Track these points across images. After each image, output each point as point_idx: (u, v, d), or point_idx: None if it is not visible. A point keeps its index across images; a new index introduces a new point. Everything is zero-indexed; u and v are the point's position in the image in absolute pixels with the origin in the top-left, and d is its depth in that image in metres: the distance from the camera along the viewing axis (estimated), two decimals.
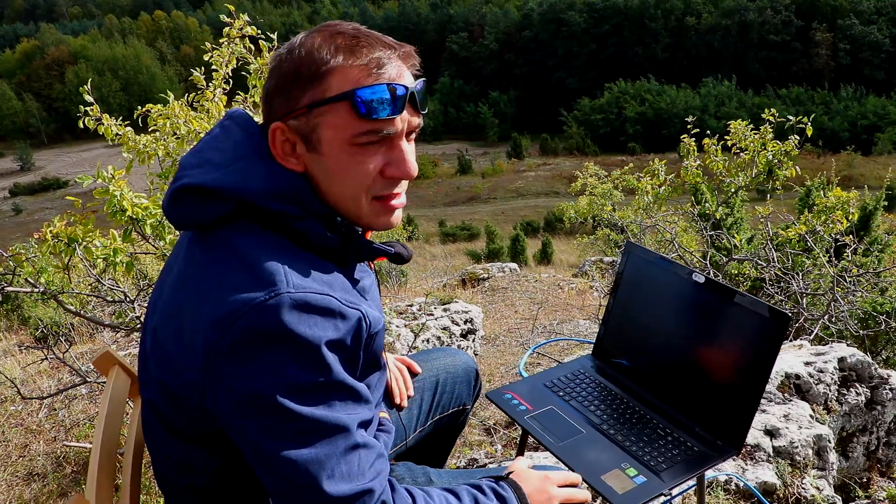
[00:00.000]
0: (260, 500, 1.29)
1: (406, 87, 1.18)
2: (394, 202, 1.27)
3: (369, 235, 1.34)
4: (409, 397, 1.88)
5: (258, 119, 1.28)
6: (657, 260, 2.03)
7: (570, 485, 1.50)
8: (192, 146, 3.12)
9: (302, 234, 1.19)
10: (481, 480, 1.39)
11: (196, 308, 1.12)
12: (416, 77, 1.23)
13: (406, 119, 1.20)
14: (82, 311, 3.29)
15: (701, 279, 1.86)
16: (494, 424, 3.47)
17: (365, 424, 1.18)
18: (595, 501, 2.11)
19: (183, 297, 1.18)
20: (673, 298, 1.96)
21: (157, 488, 2.94)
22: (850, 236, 5.32)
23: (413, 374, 1.94)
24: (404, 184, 1.27)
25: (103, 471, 1.33)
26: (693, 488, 2.49)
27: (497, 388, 2.05)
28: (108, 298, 3.28)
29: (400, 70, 1.19)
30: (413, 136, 1.27)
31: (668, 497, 2.50)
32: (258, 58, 3.28)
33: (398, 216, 1.30)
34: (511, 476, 1.43)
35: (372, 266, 1.46)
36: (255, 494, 1.29)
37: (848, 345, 3.48)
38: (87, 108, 3.19)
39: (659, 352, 1.99)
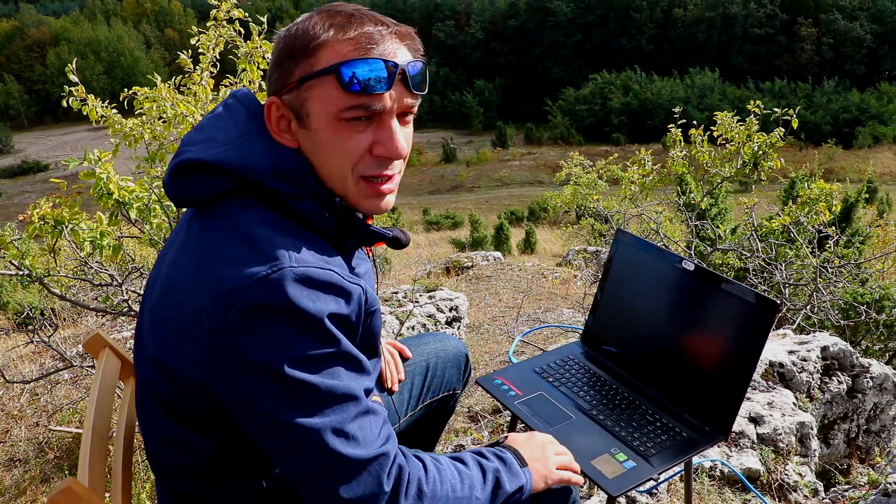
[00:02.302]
0: (254, 481, 1.29)
1: (396, 64, 1.17)
2: (383, 186, 1.25)
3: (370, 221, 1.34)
4: (399, 381, 1.88)
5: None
6: (647, 247, 2.04)
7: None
8: (179, 129, 3.13)
9: (300, 215, 1.19)
10: (481, 447, 1.42)
11: (197, 284, 1.12)
12: (416, 58, 1.22)
13: (396, 97, 1.19)
14: (67, 295, 3.26)
15: (690, 266, 1.87)
16: (480, 411, 3.48)
17: (368, 392, 1.19)
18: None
19: (183, 273, 1.17)
20: (662, 285, 1.97)
21: (142, 473, 2.93)
22: (833, 227, 5.37)
23: (404, 358, 1.94)
24: (396, 166, 1.25)
25: (96, 453, 1.32)
26: (680, 474, 2.52)
27: (487, 374, 2.06)
28: (95, 282, 3.25)
29: (394, 48, 1.18)
30: (409, 117, 1.25)
31: (657, 482, 2.53)
32: (248, 41, 3.25)
33: (389, 201, 1.27)
34: (507, 441, 1.47)
35: (369, 253, 1.46)
36: (249, 476, 1.29)
37: (830, 335, 3.52)
38: (72, 89, 3.16)
39: (648, 338, 2.01)
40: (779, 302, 1.72)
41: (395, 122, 1.21)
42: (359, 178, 1.22)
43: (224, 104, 1.29)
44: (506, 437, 1.50)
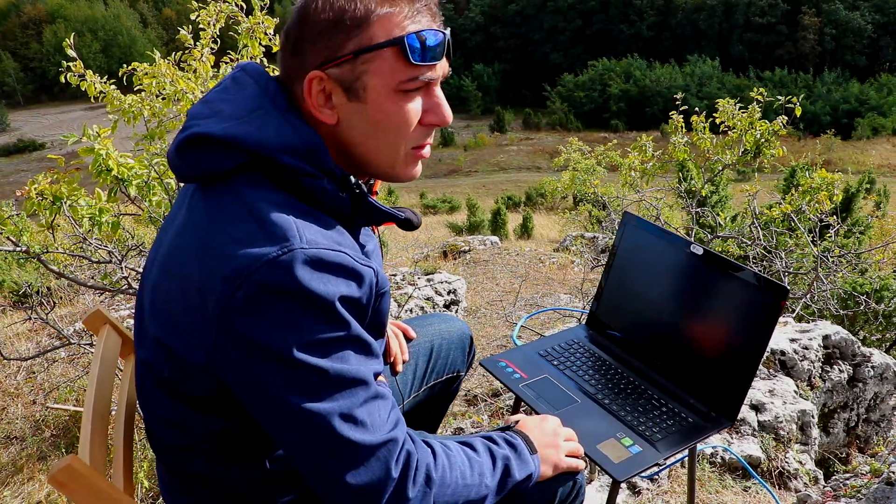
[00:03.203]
0: (256, 462, 1.27)
1: (444, 33, 1.18)
2: (423, 152, 1.27)
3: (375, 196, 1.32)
4: (404, 362, 1.86)
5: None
6: (654, 230, 2.02)
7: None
8: (178, 106, 3.09)
9: (312, 193, 1.16)
10: (491, 432, 1.40)
11: (202, 262, 1.09)
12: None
13: (443, 66, 1.21)
14: (65, 273, 3.23)
15: (699, 251, 1.85)
16: (480, 394, 3.47)
17: (376, 376, 1.17)
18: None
19: (186, 251, 1.14)
20: (670, 269, 1.95)
21: (140, 451, 2.91)
22: (834, 217, 5.36)
23: (408, 339, 1.92)
24: (433, 133, 1.28)
25: (96, 431, 1.30)
26: (683, 460, 2.51)
27: (491, 356, 2.04)
28: (94, 259, 3.22)
29: (435, 16, 1.20)
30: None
31: (661, 467, 2.52)
32: (249, 17, 3.21)
33: (420, 167, 1.30)
34: (516, 426, 1.45)
35: (375, 230, 1.44)
36: (251, 457, 1.26)
37: (831, 324, 3.51)
38: (70, 64, 3.12)
39: (654, 322, 1.99)
40: (788, 288, 1.70)
41: (440, 91, 1.23)
42: (409, 148, 1.23)
43: (232, 77, 1.25)
44: (517, 420, 1.48)
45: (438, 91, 1.23)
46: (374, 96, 1.16)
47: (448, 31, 1.21)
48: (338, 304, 1.07)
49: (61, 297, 5.71)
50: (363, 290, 1.12)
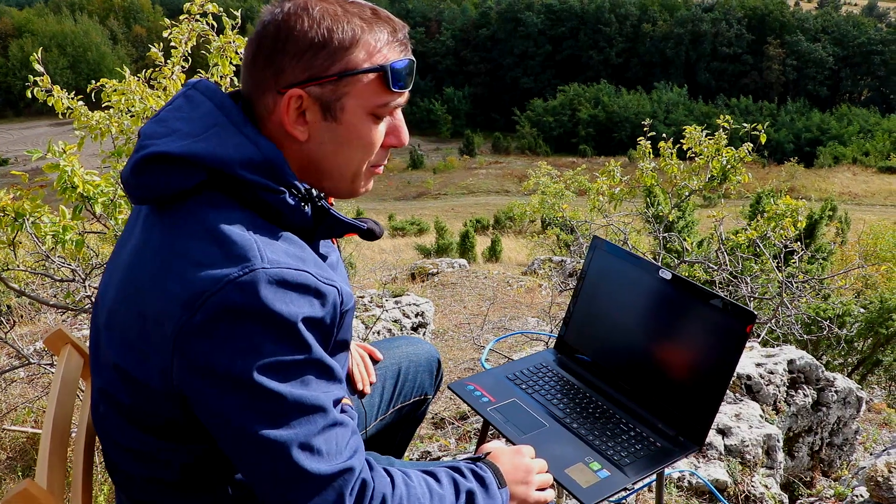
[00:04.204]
0: (219, 488, 1.24)
1: (414, 62, 1.24)
2: (379, 169, 1.31)
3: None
4: (371, 384, 1.84)
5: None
6: (623, 255, 2.03)
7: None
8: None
9: (273, 208, 1.15)
10: (458, 462, 1.37)
11: (160, 286, 1.07)
12: None
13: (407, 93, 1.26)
14: (27, 291, 3.17)
15: (668, 275, 1.86)
16: (448, 417, 3.45)
17: (337, 402, 1.15)
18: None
19: (143, 274, 1.12)
20: (638, 294, 1.96)
21: (99, 475, 2.85)
22: (798, 243, 5.44)
23: (374, 360, 1.91)
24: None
25: (55, 454, 1.26)
26: (650, 484, 2.51)
27: (459, 380, 2.03)
28: (57, 277, 3.16)
29: (407, 46, 1.24)
30: None
31: (629, 492, 2.52)
32: (220, 36, 3.19)
33: (372, 183, 1.34)
34: (488, 457, 1.42)
35: (335, 242, 1.43)
36: (214, 483, 1.24)
37: (795, 349, 3.55)
38: (37, 79, 3.07)
39: (622, 347, 1.99)
40: (755, 313, 1.71)
41: (401, 114, 1.27)
42: (369, 167, 1.27)
43: (184, 94, 1.23)
44: (489, 452, 1.45)
45: (400, 115, 1.27)
46: (349, 117, 1.19)
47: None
48: (300, 325, 1.06)
49: (22, 316, 5.58)
50: (326, 310, 1.11)
